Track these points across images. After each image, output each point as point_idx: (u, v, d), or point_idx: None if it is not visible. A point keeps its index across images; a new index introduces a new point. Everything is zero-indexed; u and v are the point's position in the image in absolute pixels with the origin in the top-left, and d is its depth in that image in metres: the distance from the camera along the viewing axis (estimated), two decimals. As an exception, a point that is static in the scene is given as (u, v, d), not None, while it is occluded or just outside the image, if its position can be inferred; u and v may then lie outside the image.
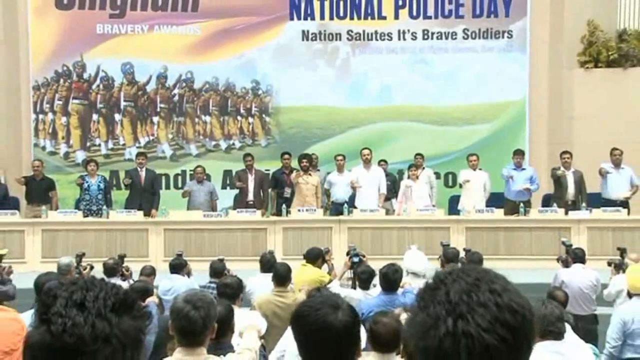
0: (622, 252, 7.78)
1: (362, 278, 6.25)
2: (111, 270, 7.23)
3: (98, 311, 1.29)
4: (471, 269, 1.25)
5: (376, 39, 13.52)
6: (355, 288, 6.48)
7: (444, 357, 1.16)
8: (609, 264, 7.46)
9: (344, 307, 2.23)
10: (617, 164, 10.98)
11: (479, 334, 1.15)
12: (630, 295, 5.51)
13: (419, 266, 6.65)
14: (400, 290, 5.69)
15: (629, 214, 10.66)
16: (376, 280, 6.20)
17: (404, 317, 3.93)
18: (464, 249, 8.27)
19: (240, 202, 11.43)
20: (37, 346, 1.29)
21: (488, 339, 1.15)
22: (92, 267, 7.47)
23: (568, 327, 4.51)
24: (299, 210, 10.66)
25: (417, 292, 1.27)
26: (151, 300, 5.77)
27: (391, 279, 5.62)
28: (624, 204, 10.79)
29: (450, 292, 1.19)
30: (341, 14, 13.49)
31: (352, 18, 13.50)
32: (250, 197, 11.39)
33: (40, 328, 1.29)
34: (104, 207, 10.93)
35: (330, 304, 2.22)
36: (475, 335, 1.15)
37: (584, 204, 10.74)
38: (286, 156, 11.59)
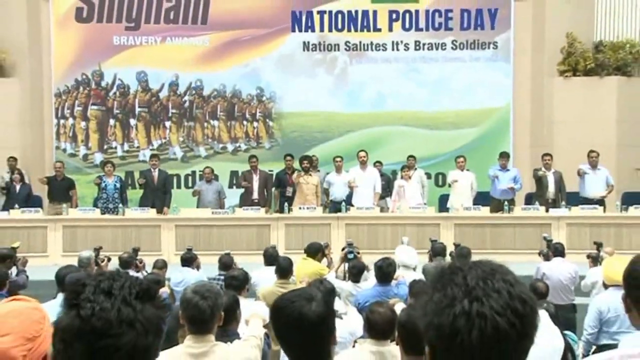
0: (599, 246, 7.81)
1: (353, 272, 6.39)
2: (126, 263, 7.23)
3: (123, 298, 1.30)
4: (487, 262, 1.27)
5: (372, 50, 13.52)
6: (347, 280, 6.55)
7: (457, 334, 1.17)
8: (588, 257, 7.48)
9: (318, 299, 2.17)
10: (594, 165, 11.00)
11: (492, 316, 1.16)
12: (605, 286, 5.52)
13: (410, 259, 6.69)
14: (393, 282, 5.72)
15: (604, 211, 10.68)
16: (368, 274, 6.29)
17: (398, 307, 3.95)
18: (454, 244, 8.29)
19: (245, 201, 11.44)
20: (66, 329, 1.30)
21: (500, 322, 1.16)
22: (109, 259, 7.45)
23: (544, 314, 4.53)
24: (300, 208, 10.67)
25: (434, 275, 1.28)
26: (163, 290, 5.78)
27: (385, 272, 5.66)
28: (600, 202, 10.82)
29: (467, 276, 1.21)
30: (339, 26, 13.49)
31: (349, 30, 13.50)
32: (255, 195, 11.39)
33: (69, 313, 1.31)
34: (120, 205, 10.95)
35: (305, 296, 2.17)
36: (489, 316, 1.16)
37: (563, 202, 10.76)
38: (288, 158, 11.60)
